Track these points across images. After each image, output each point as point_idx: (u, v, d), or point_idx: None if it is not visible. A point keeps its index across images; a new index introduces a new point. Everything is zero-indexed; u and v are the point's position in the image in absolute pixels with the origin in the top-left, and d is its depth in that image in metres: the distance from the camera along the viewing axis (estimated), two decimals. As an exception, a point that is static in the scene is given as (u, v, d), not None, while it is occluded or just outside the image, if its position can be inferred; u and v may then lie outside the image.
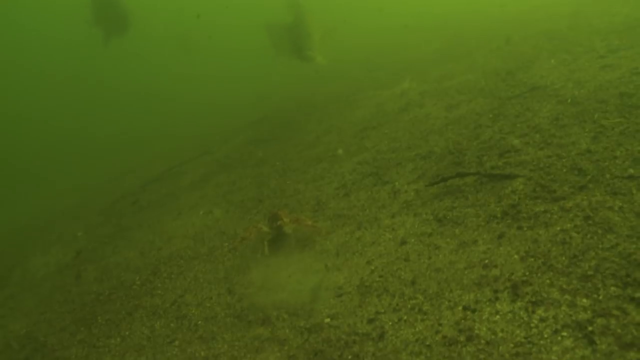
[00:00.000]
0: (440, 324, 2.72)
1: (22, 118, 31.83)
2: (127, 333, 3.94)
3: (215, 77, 29.49)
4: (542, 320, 2.47)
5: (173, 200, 7.59)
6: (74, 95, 32.76)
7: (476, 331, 2.56)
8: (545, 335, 2.36)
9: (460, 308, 2.79)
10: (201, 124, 17.63)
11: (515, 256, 3.03)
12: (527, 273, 2.83)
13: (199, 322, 3.69)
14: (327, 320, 3.12)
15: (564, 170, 3.73)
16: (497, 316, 2.61)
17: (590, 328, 2.30)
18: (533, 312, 2.54)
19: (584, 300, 2.49)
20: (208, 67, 31.42)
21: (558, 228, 3.11)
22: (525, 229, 3.26)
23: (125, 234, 6.81)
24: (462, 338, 2.56)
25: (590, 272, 2.65)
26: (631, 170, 3.40)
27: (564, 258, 2.83)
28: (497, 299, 2.74)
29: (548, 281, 2.71)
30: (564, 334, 2.34)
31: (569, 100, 5.01)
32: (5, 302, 5.98)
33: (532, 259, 2.93)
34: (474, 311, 2.72)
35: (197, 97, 25.58)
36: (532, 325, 2.46)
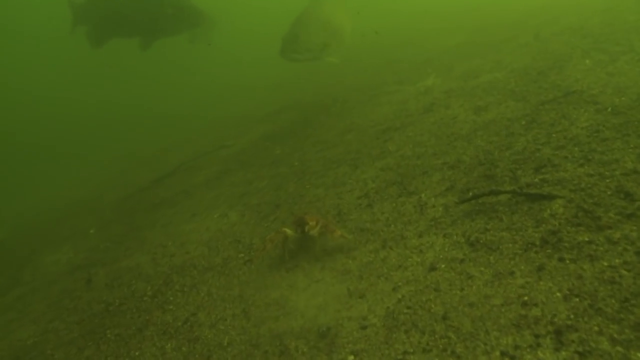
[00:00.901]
0: (475, 373, 2.47)
1: (28, 104, 31.62)
2: (136, 354, 3.73)
3: (230, 61, 29.20)
4: (591, 376, 2.21)
5: (187, 199, 7.38)
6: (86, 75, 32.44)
7: (517, 385, 2.31)
8: (597, 398, 2.11)
9: (497, 353, 2.51)
10: (215, 110, 17.43)
11: (558, 294, 2.74)
12: (571, 316, 2.55)
13: (212, 347, 3.46)
14: (351, 357, 2.87)
15: (608, 192, 3.43)
16: (540, 367, 2.35)
17: (649, 393, 2.05)
18: (581, 365, 2.28)
19: (639, 355, 2.22)
20: (224, 51, 31.07)
21: (605, 263, 2.82)
22: (567, 261, 2.97)
23: (137, 234, 6.63)
24: (501, 393, 2.31)
25: (645, 321, 2.38)
26: (686, 199, 3.10)
27: (613, 301, 2.55)
28: (538, 345, 2.47)
29: (596, 328, 2.43)
30: (619, 397, 2.08)
31: (609, 109, 4.68)
32: (14, 304, 5.84)
33: (577, 299, 2.65)
34: (512, 359, 2.45)
35: (210, 80, 25.37)
36: (581, 383, 2.20)
